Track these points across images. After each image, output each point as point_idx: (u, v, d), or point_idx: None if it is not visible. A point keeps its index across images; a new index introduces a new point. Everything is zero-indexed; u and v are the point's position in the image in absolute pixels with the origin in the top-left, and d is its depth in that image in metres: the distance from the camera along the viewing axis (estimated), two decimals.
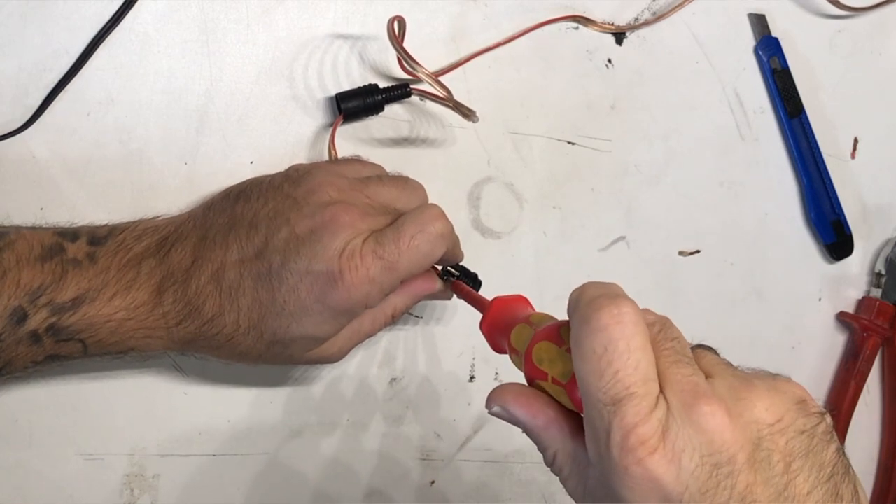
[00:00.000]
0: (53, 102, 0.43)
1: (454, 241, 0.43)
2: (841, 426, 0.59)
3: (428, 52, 0.48)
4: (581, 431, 0.31)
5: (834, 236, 0.59)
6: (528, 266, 0.52)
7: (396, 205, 0.42)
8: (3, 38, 0.43)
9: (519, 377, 0.34)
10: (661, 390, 0.28)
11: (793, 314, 0.59)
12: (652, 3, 0.55)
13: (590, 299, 0.29)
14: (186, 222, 0.41)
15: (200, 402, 0.46)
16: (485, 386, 0.51)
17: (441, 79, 0.46)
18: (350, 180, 0.42)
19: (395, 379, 0.50)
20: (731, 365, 0.30)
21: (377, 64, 0.49)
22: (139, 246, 0.40)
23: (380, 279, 0.39)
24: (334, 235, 0.38)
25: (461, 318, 0.50)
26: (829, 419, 0.29)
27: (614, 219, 0.54)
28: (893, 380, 0.61)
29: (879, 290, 0.60)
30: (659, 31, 0.54)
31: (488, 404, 0.33)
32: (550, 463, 0.32)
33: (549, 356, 0.32)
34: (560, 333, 0.32)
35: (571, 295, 0.31)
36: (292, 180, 0.41)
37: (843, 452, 0.29)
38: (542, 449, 0.32)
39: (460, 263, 0.45)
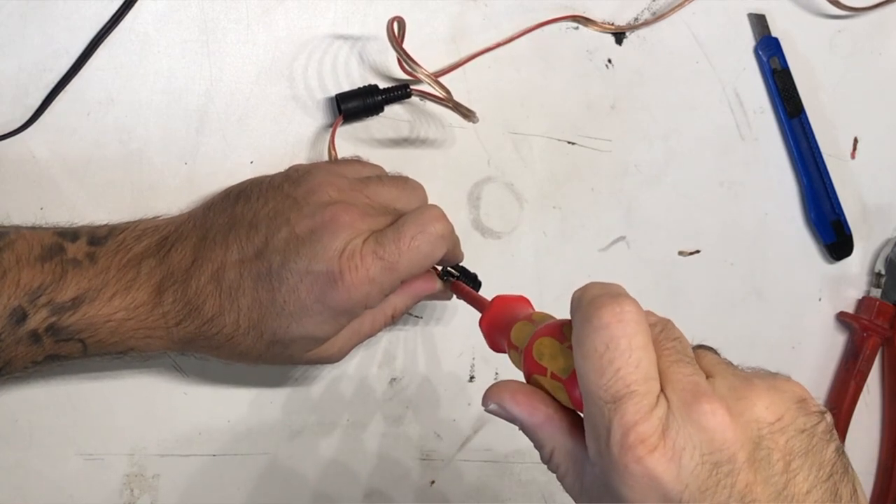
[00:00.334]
0: (53, 102, 0.43)
1: (454, 242, 0.43)
2: (841, 426, 0.59)
3: (428, 52, 0.48)
4: (577, 428, 0.31)
5: (834, 236, 0.59)
6: (528, 266, 0.52)
7: (396, 205, 0.42)
8: (3, 38, 0.43)
9: (518, 376, 0.34)
10: (662, 389, 0.28)
11: (793, 314, 0.59)
12: (652, 3, 0.55)
13: (592, 298, 0.29)
14: (186, 222, 0.41)
15: (200, 402, 0.46)
16: (485, 386, 0.50)
17: (441, 79, 0.46)
18: (350, 180, 0.42)
19: (395, 379, 0.50)
20: (732, 364, 0.30)
21: (377, 64, 0.49)
22: (139, 246, 0.40)
23: (380, 279, 0.39)
24: (334, 235, 0.38)
25: (461, 318, 0.50)
26: (829, 418, 0.29)
27: (614, 219, 0.54)
28: (893, 380, 0.61)
29: (879, 290, 0.60)
30: (659, 31, 0.54)
31: (484, 401, 0.33)
32: (547, 460, 0.32)
33: (549, 351, 0.32)
34: (562, 330, 0.32)
35: (574, 294, 0.31)
36: (292, 180, 0.41)
37: (843, 451, 0.29)
38: (538, 446, 0.32)
39: (460, 264, 0.45)
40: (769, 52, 0.57)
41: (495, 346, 0.38)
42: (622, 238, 0.54)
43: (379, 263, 0.38)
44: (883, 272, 0.60)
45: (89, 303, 0.37)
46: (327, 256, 0.38)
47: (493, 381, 0.51)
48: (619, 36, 0.54)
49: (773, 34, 0.57)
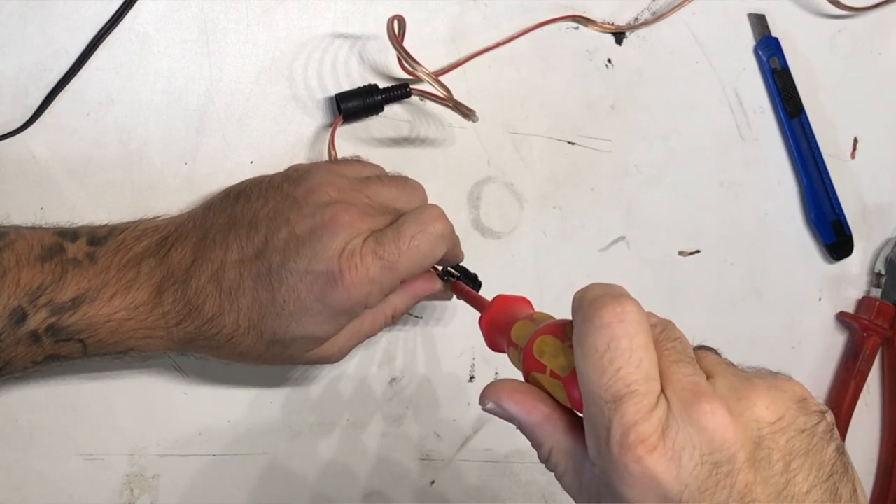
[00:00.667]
0: (53, 102, 0.43)
1: (454, 242, 0.43)
2: (841, 426, 0.59)
3: (428, 52, 0.48)
4: (575, 427, 0.31)
5: (834, 236, 0.59)
6: (528, 266, 0.52)
7: (396, 205, 0.42)
8: (3, 38, 0.43)
9: (518, 376, 0.34)
10: (663, 389, 0.28)
11: (793, 314, 0.59)
12: (652, 3, 0.55)
13: (594, 298, 0.29)
14: (186, 222, 0.41)
15: (200, 402, 0.46)
16: (484, 386, 0.51)
17: (441, 79, 0.46)
18: (350, 180, 0.42)
19: (394, 379, 0.50)
20: (733, 365, 0.30)
21: (377, 64, 0.49)
22: (139, 246, 0.40)
23: (380, 279, 0.39)
24: (334, 235, 0.38)
25: (461, 318, 0.50)
26: (829, 417, 0.29)
27: (614, 219, 0.54)
28: (893, 380, 0.61)
29: (879, 290, 0.60)
30: (659, 31, 0.54)
31: (482, 400, 0.33)
32: (545, 460, 0.32)
33: (550, 349, 0.32)
34: (564, 330, 0.32)
35: (575, 295, 0.31)
36: (292, 180, 0.41)
37: (843, 451, 0.29)
38: (536, 445, 0.32)
39: (460, 264, 0.45)
40: (769, 52, 0.57)
41: (494, 346, 0.38)
42: (622, 238, 0.54)
43: (379, 263, 0.38)
44: (883, 272, 0.60)
45: (89, 303, 0.37)
46: (327, 256, 0.38)
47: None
48: (619, 36, 0.54)
49: (773, 34, 0.57)
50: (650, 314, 0.30)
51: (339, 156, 0.46)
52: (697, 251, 0.56)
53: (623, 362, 0.28)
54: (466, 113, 0.46)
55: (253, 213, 0.40)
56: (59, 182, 0.44)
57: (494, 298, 0.39)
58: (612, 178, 0.54)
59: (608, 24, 0.53)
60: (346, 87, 0.47)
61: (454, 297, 0.45)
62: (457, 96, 0.46)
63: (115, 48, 0.44)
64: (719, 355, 0.31)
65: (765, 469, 0.27)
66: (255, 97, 0.47)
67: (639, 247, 0.55)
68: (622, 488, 0.27)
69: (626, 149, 0.54)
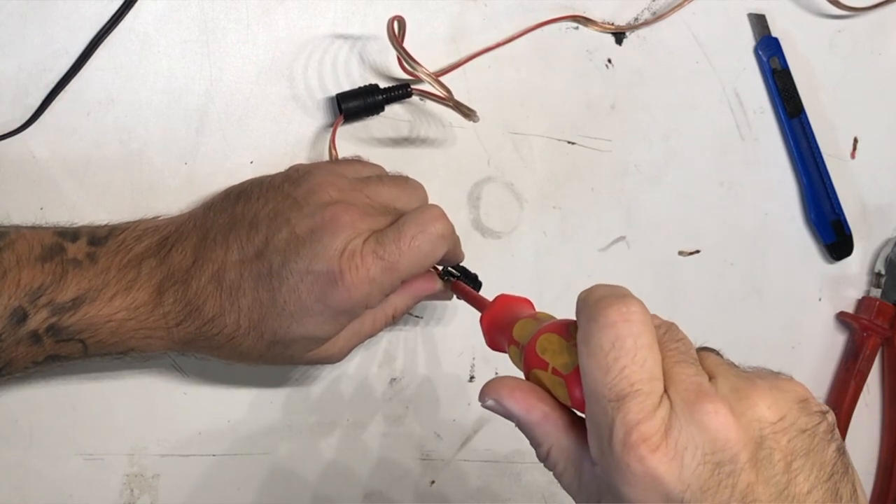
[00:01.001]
0: (53, 102, 0.43)
1: (455, 242, 0.43)
2: (841, 426, 0.59)
3: (428, 52, 0.48)
4: (575, 426, 0.31)
5: (834, 236, 0.59)
6: (528, 266, 0.52)
7: (396, 205, 0.42)
8: (3, 38, 0.43)
9: (518, 375, 0.34)
10: (666, 389, 0.28)
11: (793, 314, 0.59)
12: (652, 3, 0.55)
13: (599, 297, 0.29)
14: (187, 222, 0.41)
15: (200, 402, 0.46)
16: (485, 383, 0.51)
17: (441, 79, 0.46)
18: (350, 180, 0.42)
19: (395, 379, 0.50)
20: (735, 365, 0.30)
21: (377, 64, 0.49)
22: (139, 246, 0.40)
23: (380, 279, 0.39)
24: (335, 235, 0.38)
25: (461, 318, 0.50)
26: (830, 418, 0.29)
27: (614, 219, 0.54)
28: (893, 380, 0.61)
29: (879, 290, 0.60)
30: (659, 31, 0.54)
31: (482, 397, 0.33)
32: (544, 458, 0.32)
33: (553, 347, 0.32)
34: (568, 329, 0.32)
35: (580, 295, 0.31)
36: (292, 180, 0.41)
37: (844, 451, 0.29)
38: (535, 444, 0.32)
39: (461, 264, 0.45)
40: (769, 52, 0.57)
41: (494, 345, 0.38)
42: (622, 238, 0.54)
43: (379, 263, 0.38)
44: (883, 272, 0.60)
45: (89, 303, 0.37)
46: (328, 256, 0.38)
47: None
48: (619, 36, 0.54)
49: (773, 34, 0.57)
50: (654, 316, 0.30)
51: (340, 156, 0.46)
52: (697, 251, 0.56)
53: (627, 361, 0.28)
54: (467, 113, 0.46)
55: (253, 214, 0.40)
56: (59, 182, 0.44)
57: (496, 298, 0.39)
58: (612, 178, 0.54)
59: (608, 24, 0.53)
60: (346, 88, 0.47)
61: (454, 297, 0.45)
62: (457, 96, 0.46)
63: (115, 48, 0.44)
64: (721, 356, 0.31)
65: (766, 469, 0.27)
66: (255, 97, 0.47)
67: (639, 247, 0.55)
68: (624, 488, 0.27)
69: (626, 149, 0.54)
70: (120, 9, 0.44)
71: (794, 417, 0.28)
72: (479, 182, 0.51)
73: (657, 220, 0.55)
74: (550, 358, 0.32)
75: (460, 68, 0.50)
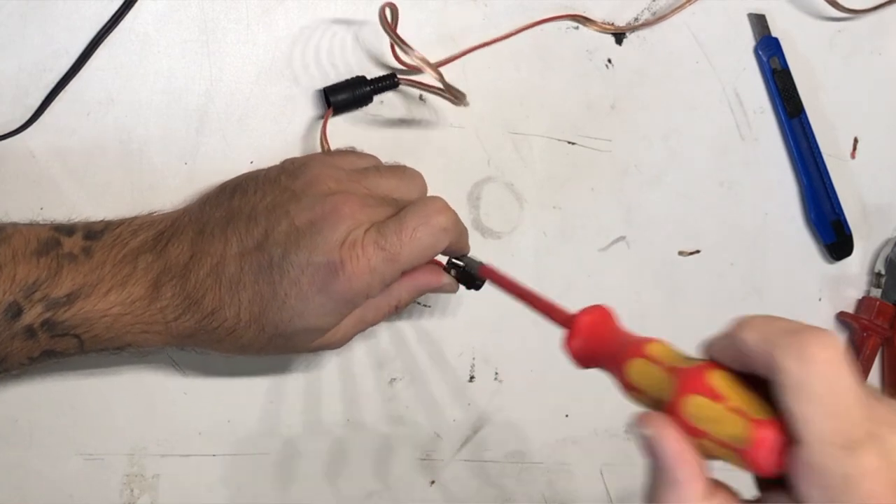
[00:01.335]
0: (53, 102, 0.43)
1: (459, 233, 0.42)
2: None
3: (428, 51, 0.48)
4: (717, 491, 0.29)
5: (834, 236, 0.59)
6: (528, 266, 0.52)
7: (395, 195, 0.42)
8: (3, 38, 0.43)
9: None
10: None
11: (793, 314, 0.58)
12: (652, 3, 0.55)
13: (791, 332, 0.29)
14: (182, 217, 0.41)
15: (200, 401, 0.46)
16: (485, 386, 0.51)
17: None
18: (347, 171, 0.42)
19: (394, 379, 0.50)
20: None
21: (378, 63, 0.49)
22: (135, 240, 0.39)
23: (381, 269, 0.39)
24: (335, 226, 0.38)
25: (461, 317, 0.50)
26: None
27: (614, 219, 0.54)
28: (893, 380, 0.61)
29: (879, 290, 0.60)
30: (659, 31, 0.54)
31: (641, 424, 0.29)
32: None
33: (710, 415, 0.28)
34: (711, 385, 0.29)
35: (742, 335, 0.30)
36: (289, 173, 0.41)
37: None
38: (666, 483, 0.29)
39: (468, 255, 0.44)
40: (769, 52, 0.57)
41: (585, 366, 0.34)
42: (622, 238, 0.54)
43: (380, 254, 0.38)
44: (883, 272, 0.60)
45: (84, 298, 0.37)
46: (328, 247, 0.38)
47: (493, 381, 0.51)
48: (619, 36, 0.54)
49: (773, 34, 0.57)
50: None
51: (334, 148, 0.46)
52: (697, 251, 0.56)
53: (853, 402, 0.26)
54: (457, 96, 0.45)
55: (251, 207, 0.40)
56: (59, 182, 0.44)
57: (576, 319, 0.34)
58: (612, 178, 0.54)
59: (608, 24, 0.53)
60: None
61: (458, 290, 0.44)
62: None
63: (115, 48, 0.44)
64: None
65: None
66: (255, 97, 0.47)
67: (639, 247, 0.55)
68: None
69: (626, 149, 0.54)
70: (120, 9, 0.44)
71: None
72: (479, 182, 0.51)
73: (657, 220, 0.55)
74: (712, 429, 0.28)
75: (460, 69, 0.50)
